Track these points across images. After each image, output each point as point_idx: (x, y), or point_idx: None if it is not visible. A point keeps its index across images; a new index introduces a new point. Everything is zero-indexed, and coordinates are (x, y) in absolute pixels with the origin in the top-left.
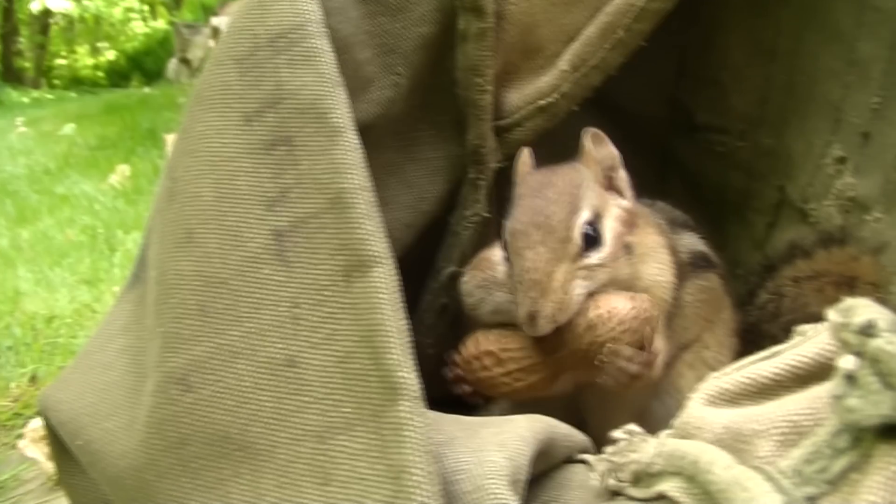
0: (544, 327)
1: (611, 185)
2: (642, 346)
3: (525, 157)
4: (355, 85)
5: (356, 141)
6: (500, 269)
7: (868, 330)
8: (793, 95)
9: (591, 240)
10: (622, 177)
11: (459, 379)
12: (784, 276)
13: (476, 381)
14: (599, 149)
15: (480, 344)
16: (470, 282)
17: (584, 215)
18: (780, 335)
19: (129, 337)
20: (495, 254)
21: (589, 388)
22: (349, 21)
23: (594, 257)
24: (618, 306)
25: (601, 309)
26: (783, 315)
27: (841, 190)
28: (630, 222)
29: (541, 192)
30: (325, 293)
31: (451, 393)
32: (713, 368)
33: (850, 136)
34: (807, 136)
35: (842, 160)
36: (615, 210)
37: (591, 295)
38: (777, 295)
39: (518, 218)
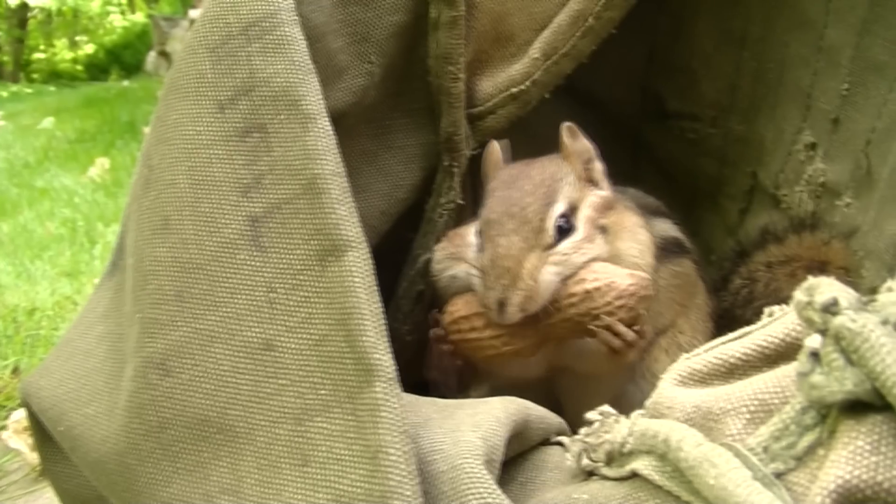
0: (513, 315)
1: (588, 177)
2: (634, 322)
3: (494, 149)
4: (328, 73)
5: (329, 127)
6: (472, 250)
7: (831, 308)
8: (763, 82)
9: (565, 231)
10: (598, 168)
11: (441, 339)
12: (757, 261)
13: (461, 341)
14: (576, 142)
15: (471, 305)
16: (440, 252)
17: (560, 207)
18: (754, 320)
19: (109, 324)
20: (469, 232)
21: (566, 373)
22: (321, 10)
23: (567, 244)
24: (617, 280)
25: (600, 281)
26: (756, 300)
27: (812, 176)
28: (605, 207)
29: (517, 183)
30: (300, 277)
31: (427, 378)
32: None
33: (820, 123)
34: (777, 122)
35: (812, 146)
36: (591, 199)
37: (586, 267)
38: (750, 280)
39: (493, 208)
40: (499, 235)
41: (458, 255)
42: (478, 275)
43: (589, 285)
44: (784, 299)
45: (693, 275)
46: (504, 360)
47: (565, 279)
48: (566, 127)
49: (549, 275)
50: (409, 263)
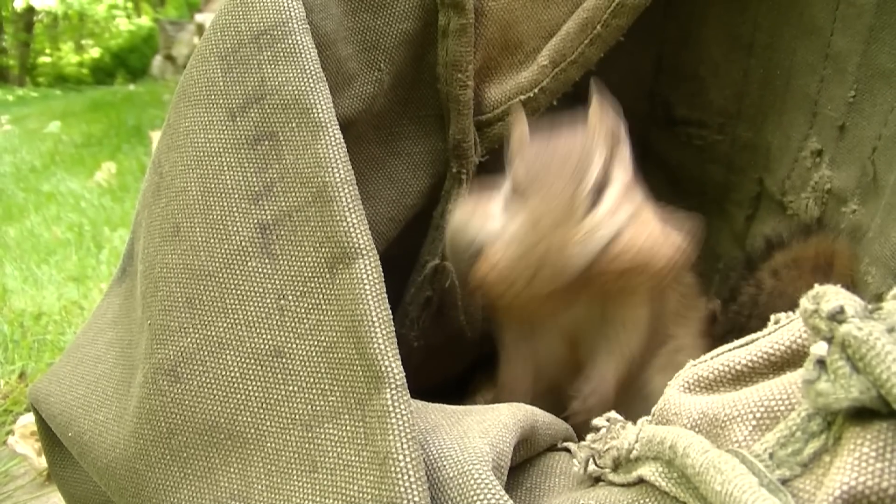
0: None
1: (614, 155)
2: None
3: (522, 121)
4: (338, 80)
5: (339, 135)
6: (497, 218)
7: (837, 316)
8: (770, 89)
9: (598, 201)
10: (624, 149)
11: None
12: (763, 269)
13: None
14: (605, 117)
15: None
16: (461, 215)
17: (594, 173)
18: (760, 327)
19: (119, 330)
20: (493, 199)
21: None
22: (331, 17)
23: (603, 208)
24: (660, 246)
25: (643, 246)
26: (763, 306)
27: (818, 182)
28: (631, 188)
29: (548, 149)
30: (310, 285)
31: (434, 384)
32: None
33: (827, 130)
34: (784, 129)
35: (819, 153)
36: (620, 175)
37: (626, 234)
38: (757, 288)
39: (522, 174)
40: (531, 201)
41: (483, 221)
42: (507, 242)
43: (632, 253)
44: (791, 303)
45: (694, 286)
46: (535, 315)
47: (602, 247)
48: (595, 99)
49: (583, 243)
50: (417, 270)
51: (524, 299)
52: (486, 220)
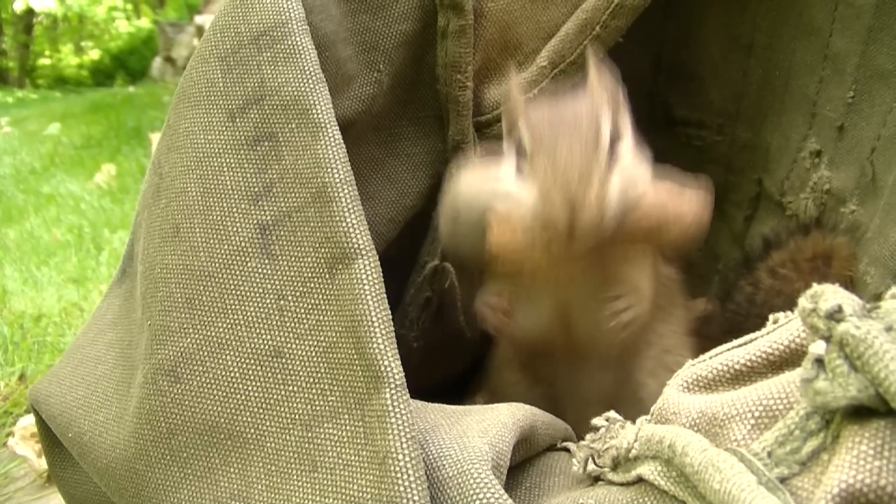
0: (585, 234)
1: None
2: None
3: (517, 90)
4: (338, 81)
5: (338, 136)
6: (510, 180)
7: (835, 315)
8: (769, 90)
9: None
10: (625, 116)
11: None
12: (761, 269)
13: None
14: (605, 80)
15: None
16: (467, 182)
17: (608, 126)
18: (759, 326)
19: (119, 330)
20: (502, 165)
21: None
22: (331, 19)
23: (627, 158)
24: (683, 207)
25: (667, 208)
26: (761, 305)
27: (817, 183)
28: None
29: (562, 105)
30: (310, 285)
31: (434, 385)
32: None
33: (826, 130)
34: (783, 129)
35: (818, 153)
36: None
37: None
38: (755, 288)
39: (541, 126)
40: (546, 162)
41: (494, 185)
42: (529, 206)
43: (654, 212)
44: (789, 303)
45: (676, 281)
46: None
47: (633, 200)
48: (594, 64)
49: (618, 189)
50: (417, 270)
51: (543, 263)
52: (497, 184)
